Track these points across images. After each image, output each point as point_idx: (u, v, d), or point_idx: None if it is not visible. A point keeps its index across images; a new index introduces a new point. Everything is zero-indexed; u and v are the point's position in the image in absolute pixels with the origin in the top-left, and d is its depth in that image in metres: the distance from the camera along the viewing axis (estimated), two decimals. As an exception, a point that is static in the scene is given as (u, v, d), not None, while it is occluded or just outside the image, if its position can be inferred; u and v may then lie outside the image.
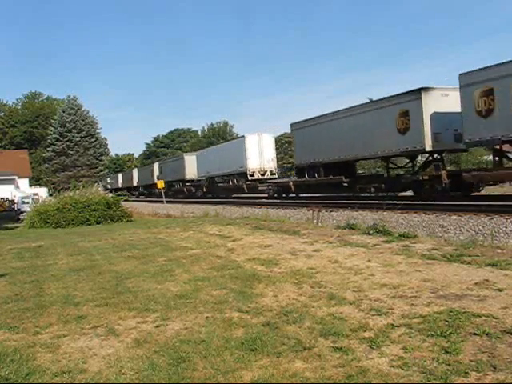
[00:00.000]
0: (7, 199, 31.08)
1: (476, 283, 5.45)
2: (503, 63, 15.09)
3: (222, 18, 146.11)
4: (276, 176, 31.90)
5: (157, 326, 4.79)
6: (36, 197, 30.79)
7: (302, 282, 6.21)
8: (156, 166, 50.62)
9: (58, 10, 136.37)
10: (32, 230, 19.45)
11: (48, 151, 54.96)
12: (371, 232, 10.11)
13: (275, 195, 28.68)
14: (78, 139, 53.09)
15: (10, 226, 22.91)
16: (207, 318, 4.95)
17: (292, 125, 27.84)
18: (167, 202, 37.37)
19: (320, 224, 14.25)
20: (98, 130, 57.09)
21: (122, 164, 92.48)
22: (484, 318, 4.26)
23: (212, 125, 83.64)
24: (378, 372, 3.37)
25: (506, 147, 16.20)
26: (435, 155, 19.30)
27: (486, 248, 7.85)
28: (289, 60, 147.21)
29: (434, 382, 3.17)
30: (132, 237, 13.28)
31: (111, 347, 4.30)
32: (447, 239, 10.36)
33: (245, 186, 31.49)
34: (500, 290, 5.11)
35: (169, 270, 7.71)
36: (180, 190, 42.88)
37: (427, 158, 19.84)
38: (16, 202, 30.61)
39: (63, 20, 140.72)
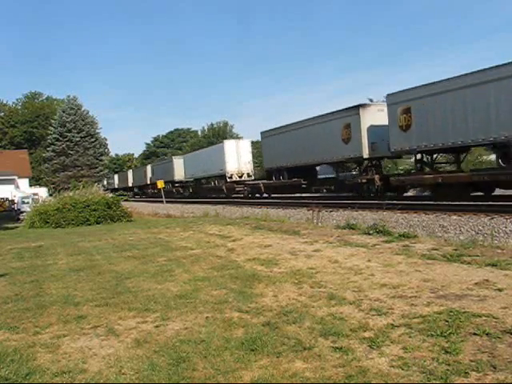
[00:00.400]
0: (7, 199, 31.07)
1: (476, 283, 5.45)
2: (418, 86, 18.34)
3: (221, 18, 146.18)
4: (252, 177, 35.03)
5: (157, 326, 4.80)
6: (36, 197, 30.79)
7: (301, 281, 6.21)
8: (149, 167, 54.45)
9: (58, 10, 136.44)
10: (32, 230, 19.46)
11: (48, 151, 54.92)
12: (371, 232, 10.12)
13: (249, 195, 32.69)
14: (77, 139, 53.07)
15: (10, 225, 22.92)
16: (207, 317, 4.95)
17: (262, 133, 31.42)
18: (167, 202, 37.41)
19: (320, 224, 14.25)
20: (97, 130, 57.05)
21: (121, 164, 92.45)
22: (484, 317, 4.26)
23: (212, 125, 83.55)
24: (378, 372, 3.37)
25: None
26: (373, 161, 22.46)
27: (486, 248, 7.85)
28: (289, 60, 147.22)
29: (434, 381, 3.17)
30: (132, 237, 13.29)
31: (111, 347, 4.31)
32: (447, 239, 10.36)
33: (224, 187, 35.04)
34: (500, 289, 5.11)
35: (169, 269, 7.71)
36: (170, 191, 45.55)
37: (366, 164, 22.66)
38: (16, 202, 30.61)
39: (63, 20, 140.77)
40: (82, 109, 55.28)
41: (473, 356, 3.51)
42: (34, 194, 32.92)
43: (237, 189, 33.66)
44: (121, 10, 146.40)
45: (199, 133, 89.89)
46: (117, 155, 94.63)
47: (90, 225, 19.65)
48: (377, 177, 21.05)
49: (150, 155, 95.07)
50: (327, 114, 24.24)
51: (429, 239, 9.54)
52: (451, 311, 4.49)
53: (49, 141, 55.05)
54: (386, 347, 3.81)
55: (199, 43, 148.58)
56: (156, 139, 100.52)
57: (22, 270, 8.62)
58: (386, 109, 20.04)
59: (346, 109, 22.55)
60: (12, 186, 35.47)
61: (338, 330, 4.23)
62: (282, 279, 6.42)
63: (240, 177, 34.28)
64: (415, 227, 13.40)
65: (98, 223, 19.92)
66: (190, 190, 43.06)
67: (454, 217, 13.64)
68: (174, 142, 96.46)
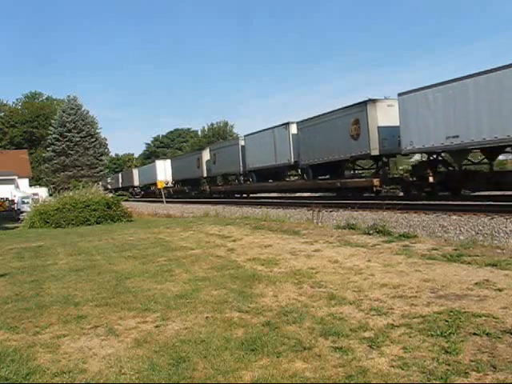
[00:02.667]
0: (7, 199, 31.03)
1: (476, 283, 5.45)
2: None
3: (221, 18, 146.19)
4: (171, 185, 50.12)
5: (157, 326, 4.79)
6: (36, 197, 30.76)
7: (302, 281, 6.21)
8: (136, 171, 62.17)
9: (58, 10, 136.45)
10: (32, 229, 19.44)
11: (48, 151, 54.89)
12: (371, 232, 10.11)
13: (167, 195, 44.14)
14: (77, 139, 53.04)
15: (9, 226, 22.90)
16: (207, 317, 4.95)
17: (211, 145, 40.00)
18: (167, 202, 37.43)
19: (320, 224, 14.24)
20: (97, 130, 57.04)
21: (121, 164, 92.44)
22: (484, 318, 4.26)
23: (212, 125, 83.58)
24: (377, 372, 3.37)
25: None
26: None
27: (486, 248, 7.85)
28: (289, 60, 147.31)
29: (434, 382, 3.17)
30: (132, 237, 13.28)
31: (111, 347, 4.30)
32: (447, 239, 10.37)
33: (156, 190, 47.48)
34: (500, 289, 5.11)
35: (169, 269, 7.71)
36: (153, 192, 52.75)
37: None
38: (16, 202, 30.60)
39: (63, 20, 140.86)
40: (82, 109, 55.27)
41: (473, 356, 3.51)
42: (34, 194, 32.90)
43: (164, 191, 43.90)
44: (121, 10, 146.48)
45: (199, 133, 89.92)
46: (117, 155, 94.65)
47: (90, 225, 19.63)
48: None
49: (150, 155, 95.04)
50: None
51: (429, 239, 9.54)
52: (451, 311, 4.49)
53: (49, 141, 55.01)
54: (386, 347, 3.81)
55: (199, 43, 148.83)
56: (156, 139, 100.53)
57: (22, 270, 8.62)
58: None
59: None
60: (12, 186, 35.43)
61: (338, 330, 4.23)
62: (282, 279, 6.42)
63: (166, 184, 45.69)
64: (415, 227, 13.40)
65: (98, 223, 19.90)
66: (142, 193, 58.92)
67: (454, 217, 13.64)
68: (174, 142, 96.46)
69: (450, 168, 18.91)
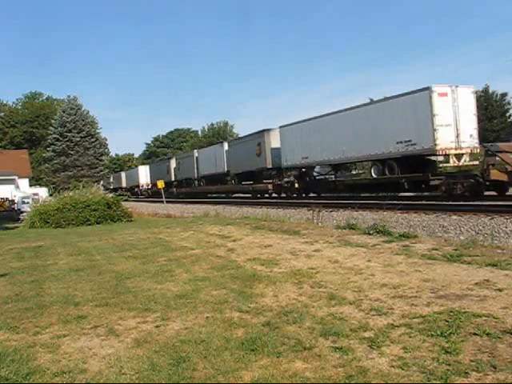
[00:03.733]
0: (7, 199, 31.02)
1: (476, 283, 5.45)
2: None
3: (221, 18, 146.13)
4: (150, 186, 59.79)
5: (157, 326, 4.80)
6: (36, 197, 30.74)
7: (302, 281, 6.21)
8: (123, 174, 70.25)
9: (58, 10, 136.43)
10: (32, 229, 19.44)
11: (48, 151, 54.82)
12: (371, 232, 10.11)
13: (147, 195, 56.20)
14: (78, 139, 52.99)
15: (10, 226, 22.89)
16: (207, 317, 4.95)
17: (176, 155, 48.10)
18: (167, 202, 37.46)
19: (320, 224, 14.24)
20: (98, 130, 56.93)
21: (122, 164, 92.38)
22: (484, 317, 4.26)
23: (212, 125, 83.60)
24: (378, 372, 3.37)
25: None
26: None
27: (486, 248, 7.86)
28: (289, 60, 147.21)
29: (434, 382, 3.17)
30: (132, 237, 13.28)
31: (111, 347, 4.31)
32: (447, 239, 10.36)
33: (139, 191, 60.52)
34: (500, 289, 5.11)
35: (169, 269, 7.71)
36: (136, 192, 61.91)
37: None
38: (16, 202, 30.59)
39: (63, 20, 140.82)
40: (82, 109, 55.18)
41: (473, 356, 3.51)
42: (34, 194, 32.88)
43: (143, 192, 57.83)
44: (121, 10, 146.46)
45: (199, 133, 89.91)
46: (117, 155, 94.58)
47: (90, 225, 19.63)
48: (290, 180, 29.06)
49: (150, 155, 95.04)
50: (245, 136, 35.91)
51: (429, 239, 9.54)
52: (451, 311, 4.49)
53: (49, 141, 54.95)
54: (386, 347, 3.81)
55: (199, 43, 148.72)
56: (156, 139, 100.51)
57: (22, 270, 8.62)
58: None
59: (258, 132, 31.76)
60: (12, 186, 35.42)
61: (338, 330, 4.23)
62: (282, 279, 6.42)
63: (147, 186, 58.21)
64: (415, 227, 13.40)
65: (98, 223, 19.90)
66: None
67: (454, 217, 13.64)
68: (174, 142, 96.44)
69: (308, 178, 27.83)
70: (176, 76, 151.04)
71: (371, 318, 4.57)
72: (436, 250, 7.76)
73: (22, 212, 26.02)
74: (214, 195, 41.49)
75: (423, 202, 18.12)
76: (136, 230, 15.57)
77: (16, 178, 38.60)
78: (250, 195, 33.52)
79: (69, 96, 57.16)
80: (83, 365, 3.91)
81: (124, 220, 21.04)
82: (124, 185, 67.36)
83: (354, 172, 30.65)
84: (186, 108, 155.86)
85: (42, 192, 37.71)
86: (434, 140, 18.05)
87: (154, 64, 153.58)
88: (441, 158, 19.11)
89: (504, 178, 16.29)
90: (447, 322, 4.23)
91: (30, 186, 43.87)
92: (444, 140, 18.16)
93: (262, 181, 31.72)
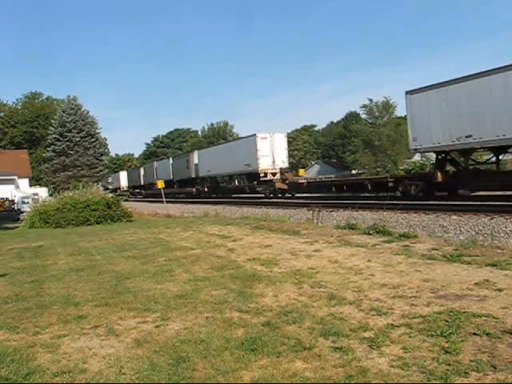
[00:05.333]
0: (7, 199, 31.02)
1: (476, 283, 5.45)
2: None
3: (221, 18, 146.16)
4: (126, 188, 68.34)
5: (157, 326, 4.80)
6: (36, 197, 30.75)
7: (302, 282, 6.21)
8: (110, 178, 74.67)
9: (58, 10, 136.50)
10: (32, 229, 19.43)
11: (48, 151, 54.82)
12: (371, 232, 10.11)
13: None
14: (78, 139, 52.99)
15: (10, 225, 22.88)
16: (207, 318, 4.95)
17: (144, 165, 58.25)
18: (167, 202, 37.48)
19: (320, 224, 14.24)
20: (98, 130, 56.92)
21: (121, 164, 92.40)
22: (484, 317, 4.26)
23: (212, 125, 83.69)
24: (378, 372, 3.37)
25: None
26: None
27: (486, 248, 7.86)
28: (289, 60, 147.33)
29: (434, 382, 3.17)
30: (132, 237, 13.28)
31: (111, 347, 4.30)
32: (447, 239, 10.36)
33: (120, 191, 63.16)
34: (500, 290, 5.11)
35: (169, 269, 7.71)
36: (119, 193, 73.44)
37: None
38: (16, 202, 30.59)
39: (63, 20, 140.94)
40: (82, 109, 55.17)
41: (473, 356, 3.51)
42: (34, 194, 32.89)
43: (123, 193, 59.73)
44: (121, 9, 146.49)
45: (199, 133, 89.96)
46: (117, 155, 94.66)
47: (90, 225, 19.63)
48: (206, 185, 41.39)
49: (150, 155, 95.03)
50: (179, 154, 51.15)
51: (429, 239, 9.54)
52: (451, 311, 4.50)
53: (49, 141, 54.94)
54: (386, 347, 3.81)
55: (199, 43, 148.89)
56: (156, 139, 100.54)
57: (22, 270, 8.62)
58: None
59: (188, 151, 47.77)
60: (12, 186, 35.42)
61: (338, 330, 4.23)
62: (282, 279, 6.42)
63: (126, 188, 66.34)
64: (415, 227, 13.40)
65: (98, 223, 19.90)
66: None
67: (454, 217, 13.64)
68: (174, 142, 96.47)
69: (213, 184, 38.99)
70: (176, 76, 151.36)
71: (371, 317, 4.57)
72: (436, 250, 7.76)
73: (22, 212, 26.01)
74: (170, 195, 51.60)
75: (423, 202, 18.11)
76: (136, 229, 15.57)
77: (16, 178, 38.60)
78: (249, 195, 36.26)
79: (69, 96, 57.12)
80: (83, 365, 3.91)
81: (124, 220, 21.03)
82: (111, 186, 75.32)
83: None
84: (186, 108, 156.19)
85: (42, 192, 37.72)
86: (257, 164, 30.76)
87: (154, 64, 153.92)
88: (262, 174, 30.89)
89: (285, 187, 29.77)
90: (447, 321, 4.23)
91: (30, 185, 43.86)
92: (264, 164, 30.87)
93: (189, 186, 43.95)
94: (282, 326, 4.51)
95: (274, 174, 30.68)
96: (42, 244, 12.85)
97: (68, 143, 53.34)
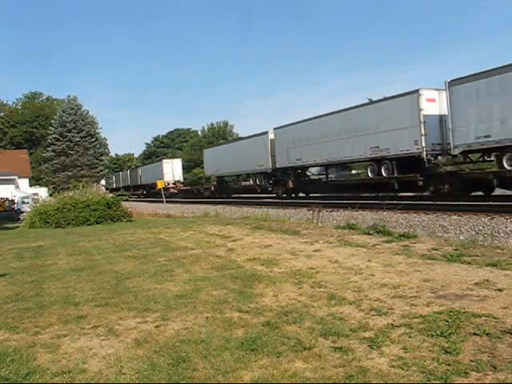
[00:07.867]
0: (7, 199, 31.03)
1: (476, 283, 5.46)
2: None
3: (222, 17, 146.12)
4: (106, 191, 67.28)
5: (157, 326, 4.79)
6: (36, 197, 30.78)
7: (302, 282, 6.22)
8: (103, 181, 76.72)
9: (58, 10, 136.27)
10: (32, 229, 19.43)
11: (48, 151, 54.91)
12: (371, 232, 10.12)
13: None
14: (78, 139, 53.07)
15: (10, 226, 22.89)
16: (207, 318, 4.95)
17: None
18: (167, 201, 37.48)
19: (320, 224, 14.25)
20: (98, 130, 57.09)
21: (121, 164, 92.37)
22: (484, 317, 4.26)
23: (212, 125, 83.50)
24: (378, 372, 3.37)
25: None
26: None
27: (486, 248, 7.86)
28: (289, 60, 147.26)
29: (434, 382, 3.17)
30: (132, 237, 13.29)
31: (111, 347, 4.30)
32: (447, 239, 10.37)
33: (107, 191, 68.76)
34: (500, 290, 5.11)
35: (169, 269, 7.71)
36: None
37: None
38: (16, 202, 30.61)
39: (63, 20, 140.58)
40: (82, 109, 55.30)
41: (473, 356, 3.51)
42: (34, 194, 32.93)
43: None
44: (121, 9, 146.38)
45: (199, 133, 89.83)
46: (117, 155, 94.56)
47: (90, 225, 19.63)
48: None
49: (150, 155, 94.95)
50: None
51: (429, 239, 9.54)
52: (451, 311, 4.49)
53: (49, 141, 55.03)
54: (386, 347, 3.81)
55: (200, 43, 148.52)
56: (156, 139, 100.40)
57: (22, 270, 8.62)
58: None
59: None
60: (12, 186, 35.46)
61: (338, 330, 4.23)
62: (282, 279, 6.42)
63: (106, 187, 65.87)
64: (415, 227, 13.39)
65: (98, 223, 19.89)
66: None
67: (454, 217, 13.64)
68: (174, 142, 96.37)
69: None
70: (176, 76, 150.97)
71: (371, 317, 4.57)
72: (436, 249, 7.76)
73: (22, 212, 26.07)
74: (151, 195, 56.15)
75: (423, 202, 18.12)
76: (136, 229, 15.57)
77: (16, 178, 38.63)
78: (249, 195, 36.13)
79: (69, 96, 57.29)
80: (83, 365, 3.91)
81: (124, 220, 21.03)
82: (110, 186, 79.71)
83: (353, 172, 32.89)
84: (186, 108, 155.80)
85: (42, 192, 37.77)
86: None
87: (153, 64, 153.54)
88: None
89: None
90: (447, 321, 4.23)
91: (30, 186, 43.87)
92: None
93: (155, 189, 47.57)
94: (282, 325, 4.51)
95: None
96: (41, 244, 12.85)
97: (68, 143, 53.39)
